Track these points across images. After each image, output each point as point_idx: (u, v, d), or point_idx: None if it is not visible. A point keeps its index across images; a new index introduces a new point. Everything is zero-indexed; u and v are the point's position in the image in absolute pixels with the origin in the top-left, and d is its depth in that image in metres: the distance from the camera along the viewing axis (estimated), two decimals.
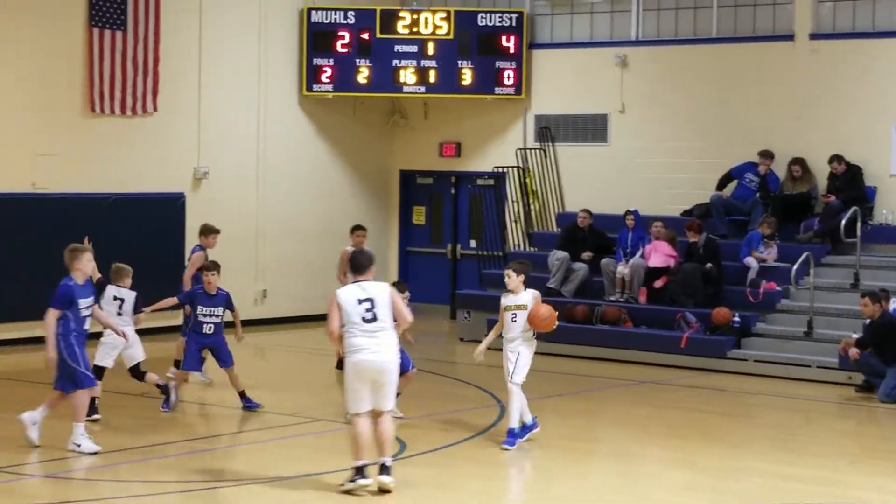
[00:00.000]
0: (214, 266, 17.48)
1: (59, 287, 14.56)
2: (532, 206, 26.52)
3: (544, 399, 18.52)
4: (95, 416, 16.07)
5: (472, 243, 27.85)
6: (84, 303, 14.66)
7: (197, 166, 25.37)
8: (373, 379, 13.01)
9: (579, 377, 21.01)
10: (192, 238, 24.59)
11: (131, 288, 16.81)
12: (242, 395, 17.34)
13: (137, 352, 16.81)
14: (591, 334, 22.93)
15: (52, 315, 14.46)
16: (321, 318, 24.76)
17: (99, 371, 16.23)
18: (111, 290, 16.67)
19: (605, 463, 15.45)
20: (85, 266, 14.74)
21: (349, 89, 26.93)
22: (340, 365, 18.69)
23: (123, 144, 24.21)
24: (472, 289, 25.72)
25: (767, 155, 23.97)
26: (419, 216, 28.84)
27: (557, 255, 24.16)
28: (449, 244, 28.28)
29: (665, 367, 21.78)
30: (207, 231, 19.13)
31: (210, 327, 17.25)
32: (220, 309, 17.29)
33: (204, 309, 17.19)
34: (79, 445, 14.58)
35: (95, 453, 14.55)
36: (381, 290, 13.19)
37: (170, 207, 24.77)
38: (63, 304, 14.49)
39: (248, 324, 25.11)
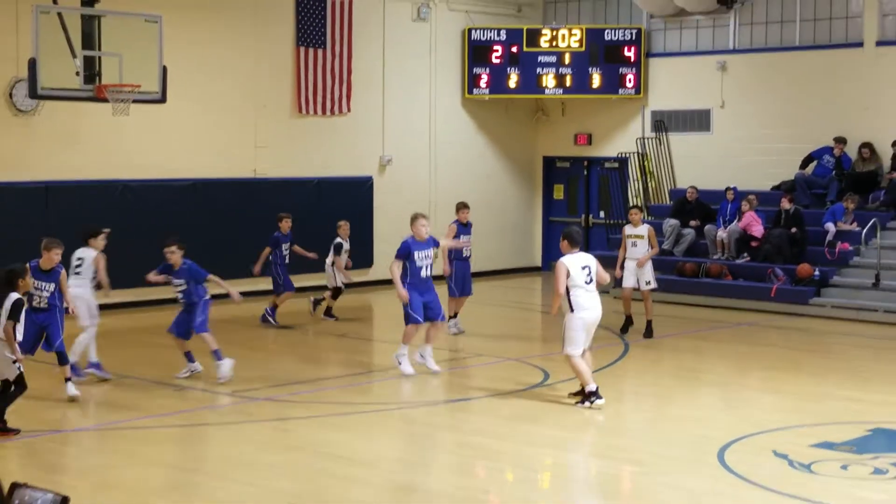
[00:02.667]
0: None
1: (402, 243, 15.16)
2: (649, 184, 26.33)
3: (662, 338, 18.41)
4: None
5: (602, 214, 27.73)
6: (419, 255, 15.10)
7: (382, 155, 25.57)
8: (590, 328, 13.61)
9: (689, 320, 20.90)
10: (380, 213, 24.96)
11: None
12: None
13: None
14: (698, 286, 22.83)
15: (396, 265, 15.05)
16: (484, 274, 24.95)
17: None
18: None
19: (712, 389, 15.36)
20: (419, 229, 15.14)
21: (502, 92, 26.93)
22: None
23: (324, 138, 24.49)
24: (602, 250, 25.58)
25: (841, 140, 23.57)
26: (559, 193, 28.76)
27: (670, 223, 24.05)
28: (583, 215, 28.17)
29: (758, 313, 21.56)
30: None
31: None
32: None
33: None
34: (399, 364, 15.17)
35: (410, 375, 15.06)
36: (592, 260, 13.72)
37: (361, 188, 25.01)
38: (402, 256, 15.05)
39: None
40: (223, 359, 14.76)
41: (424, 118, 26.39)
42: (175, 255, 14.85)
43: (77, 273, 14.80)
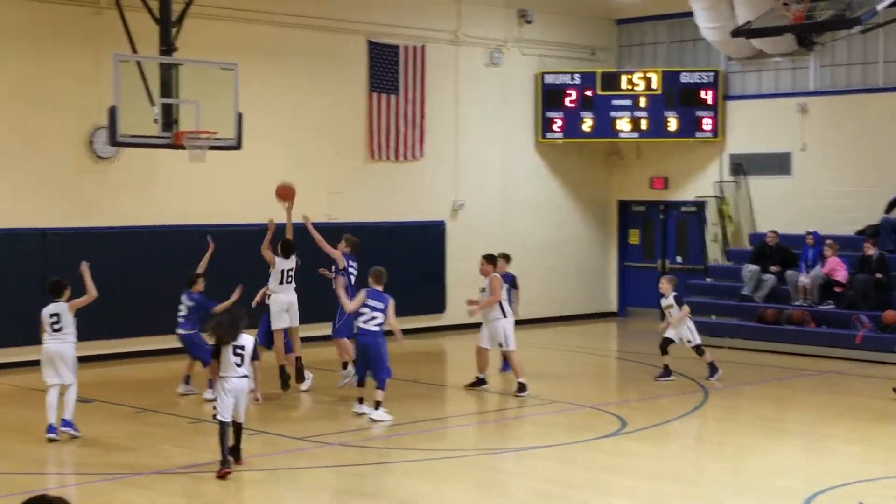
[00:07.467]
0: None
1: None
2: (728, 228, 26.24)
3: (742, 386, 18.31)
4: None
5: (679, 259, 27.65)
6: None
7: (455, 200, 25.73)
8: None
9: (771, 368, 20.73)
10: (452, 257, 25.08)
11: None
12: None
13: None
14: (779, 333, 22.60)
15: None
16: (558, 319, 24.87)
17: None
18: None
19: (794, 439, 15.25)
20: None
21: (575, 136, 27.03)
22: None
23: (396, 183, 24.72)
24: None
25: None
26: (634, 237, 28.74)
27: (750, 268, 23.92)
28: (659, 259, 28.10)
29: (842, 360, 21.32)
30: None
31: None
32: None
33: None
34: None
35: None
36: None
37: (433, 233, 25.18)
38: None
39: None
40: None
41: (497, 162, 26.54)
42: None
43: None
